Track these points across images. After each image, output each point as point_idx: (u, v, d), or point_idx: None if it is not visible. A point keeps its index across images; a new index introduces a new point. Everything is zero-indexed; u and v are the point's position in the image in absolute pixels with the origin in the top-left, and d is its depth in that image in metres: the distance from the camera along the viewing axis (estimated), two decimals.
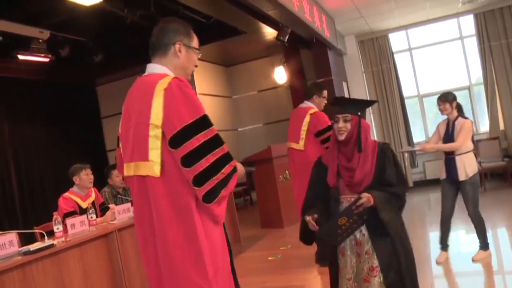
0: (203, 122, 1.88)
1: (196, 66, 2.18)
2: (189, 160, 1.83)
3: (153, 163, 1.88)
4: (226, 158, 1.92)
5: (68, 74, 8.57)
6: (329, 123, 4.59)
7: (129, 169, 2.01)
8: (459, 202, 4.57)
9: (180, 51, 2.07)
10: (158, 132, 1.87)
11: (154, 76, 1.99)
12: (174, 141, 1.84)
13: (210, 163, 1.85)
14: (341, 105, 2.56)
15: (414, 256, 2.58)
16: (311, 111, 4.79)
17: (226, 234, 2.09)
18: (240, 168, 2.06)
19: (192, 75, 8.63)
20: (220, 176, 1.87)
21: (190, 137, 1.83)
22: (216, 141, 1.89)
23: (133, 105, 2.01)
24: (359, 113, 2.49)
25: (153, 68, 2.07)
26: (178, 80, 1.92)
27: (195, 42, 2.14)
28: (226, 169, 1.91)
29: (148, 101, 1.90)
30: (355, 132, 2.46)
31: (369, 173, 2.45)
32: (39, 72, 7.87)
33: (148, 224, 1.96)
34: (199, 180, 1.83)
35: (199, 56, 2.18)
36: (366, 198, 2.34)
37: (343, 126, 2.46)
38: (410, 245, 2.56)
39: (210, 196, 1.86)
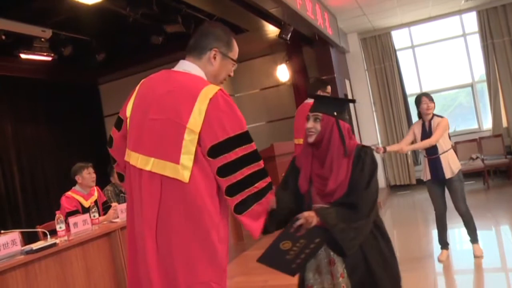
0: (244, 137, 1.90)
1: (230, 75, 2.14)
2: (224, 170, 1.85)
3: (183, 168, 1.84)
4: (261, 173, 1.93)
5: (70, 73, 8.57)
6: None
7: (137, 159, 1.94)
8: (466, 200, 4.57)
9: (215, 58, 2.03)
10: (195, 138, 1.83)
11: (192, 78, 1.96)
12: (213, 150, 1.84)
13: (244, 176, 1.87)
14: (315, 103, 2.29)
15: (398, 270, 2.27)
16: None
17: None
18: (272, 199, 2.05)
19: None
20: (253, 189, 1.89)
21: (230, 149, 1.85)
22: (253, 157, 1.91)
23: (158, 98, 1.94)
24: (335, 113, 2.20)
25: (188, 66, 2.02)
26: (223, 92, 1.91)
27: (233, 53, 2.10)
28: (260, 184, 1.92)
29: (186, 102, 1.86)
30: (327, 135, 2.18)
31: (344, 183, 2.15)
32: (41, 71, 7.87)
33: (151, 222, 1.89)
34: (232, 190, 1.86)
35: (234, 68, 2.14)
36: (304, 219, 2.00)
37: (313, 127, 2.20)
38: (393, 258, 2.26)
39: (241, 207, 1.88)
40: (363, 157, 2.16)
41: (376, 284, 2.14)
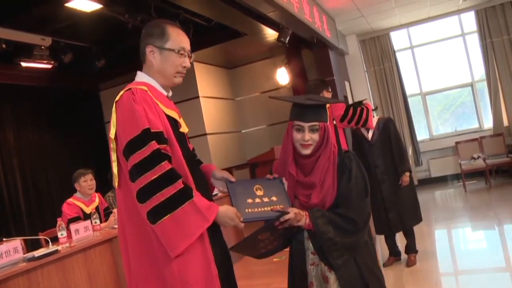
0: (143, 137, 1.78)
1: (184, 67, 1.99)
2: (132, 175, 1.79)
3: (114, 175, 1.91)
4: (166, 178, 1.76)
5: (71, 79, 8.60)
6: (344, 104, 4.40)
7: None
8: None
9: (153, 55, 1.98)
10: (114, 145, 1.88)
11: (129, 86, 1.95)
12: (124, 154, 1.82)
13: (149, 181, 1.75)
14: (310, 111, 2.00)
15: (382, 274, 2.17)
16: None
17: (221, 245, 2.00)
18: (226, 213, 1.88)
19: (194, 78, 8.69)
20: (160, 196, 1.74)
21: (132, 152, 1.78)
22: (153, 158, 1.77)
23: None
24: (326, 120, 2.02)
25: (136, 76, 2.04)
26: (130, 92, 1.85)
27: (172, 43, 1.96)
28: (168, 190, 1.75)
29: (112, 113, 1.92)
30: (323, 144, 1.99)
31: (331, 192, 1.99)
32: (42, 79, 7.90)
33: (119, 227, 1.99)
34: (141, 196, 1.76)
35: (183, 58, 1.99)
36: (293, 215, 1.91)
37: (310, 139, 1.97)
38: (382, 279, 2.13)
39: (151, 216, 1.75)
40: (348, 164, 2.01)
41: None
